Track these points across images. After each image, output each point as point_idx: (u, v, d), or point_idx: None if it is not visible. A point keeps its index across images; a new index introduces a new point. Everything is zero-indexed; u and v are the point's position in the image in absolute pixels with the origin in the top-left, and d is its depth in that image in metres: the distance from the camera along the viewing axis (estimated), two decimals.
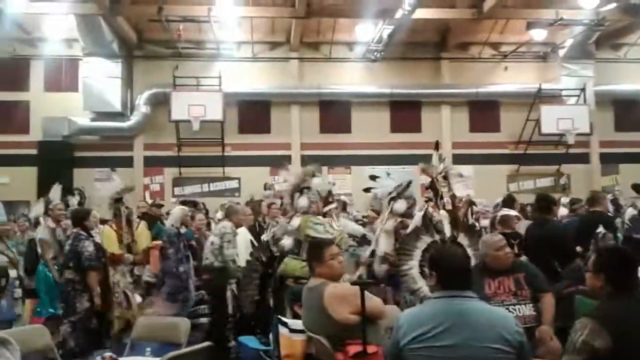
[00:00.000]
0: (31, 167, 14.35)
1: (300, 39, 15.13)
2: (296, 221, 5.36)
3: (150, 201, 9.40)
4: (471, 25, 14.58)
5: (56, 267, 6.58)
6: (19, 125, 14.80)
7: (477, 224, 5.98)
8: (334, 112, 15.51)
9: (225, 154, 14.99)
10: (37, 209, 8.14)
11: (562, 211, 8.67)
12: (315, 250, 3.82)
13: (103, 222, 6.87)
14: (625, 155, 15.75)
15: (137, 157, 15.22)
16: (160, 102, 14.66)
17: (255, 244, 6.29)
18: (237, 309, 6.16)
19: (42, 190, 11.49)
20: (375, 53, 14.98)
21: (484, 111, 15.89)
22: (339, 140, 15.39)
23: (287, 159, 14.70)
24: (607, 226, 5.73)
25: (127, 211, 6.64)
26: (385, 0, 12.56)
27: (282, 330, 3.76)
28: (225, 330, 6.33)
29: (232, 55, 15.33)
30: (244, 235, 6.67)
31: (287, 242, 5.43)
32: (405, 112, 15.66)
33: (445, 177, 4.95)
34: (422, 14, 12.82)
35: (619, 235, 7.02)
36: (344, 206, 7.33)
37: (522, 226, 6.23)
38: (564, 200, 9.88)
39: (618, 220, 7.86)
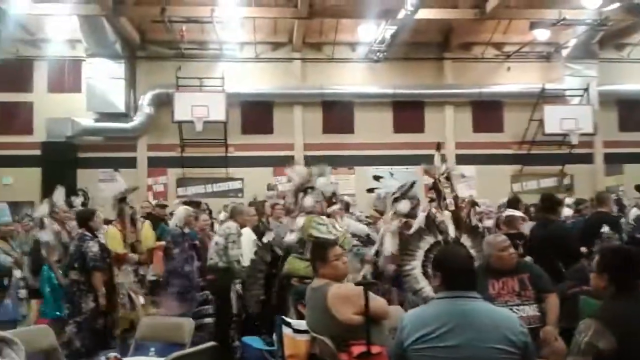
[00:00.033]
0: (35, 168, 14.38)
1: (303, 39, 15.14)
2: (300, 221, 5.36)
3: (154, 202, 9.41)
4: (474, 25, 14.56)
5: (60, 271, 6.59)
6: (22, 126, 14.84)
7: (480, 225, 5.97)
8: (337, 113, 15.51)
9: (229, 154, 15.01)
10: (42, 209, 8.16)
11: (567, 211, 8.66)
12: (319, 250, 3.82)
13: (107, 222, 6.88)
14: (630, 155, 15.71)
15: (141, 157, 15.25)
16: (164, 103, 14.68)
17: (260, 244, 6.29)
18: (243, 309, 6.16)
19: (46, 190, 11.51)
20: (378, 53, 14.97)
21: (487, 111, 15.87)
22: (341, 140, 15.39)
23: (290, 159, 14.72)
24: (613, 227, 5.71)
25: (131, 211, 6.65)
26: (387, 0, 12.56)
27: (286, 330, 3.76)
28: (229, 331, 6.33)
29: (235, 56, 15.35)
30: (248, 236, 6.67)
31: (291, 237, 5.43)
32: (408, 112, 15.65)
33: (448, 178, 4.95)
34: (424, 14, 12.80)
35: (624, 235, 6.99)
36: (346, 206, 7.33)
37: (526, 227, 6.21)
38: (568, 200, 9.86)
39: (622, 221, 7.84)
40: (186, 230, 6.74)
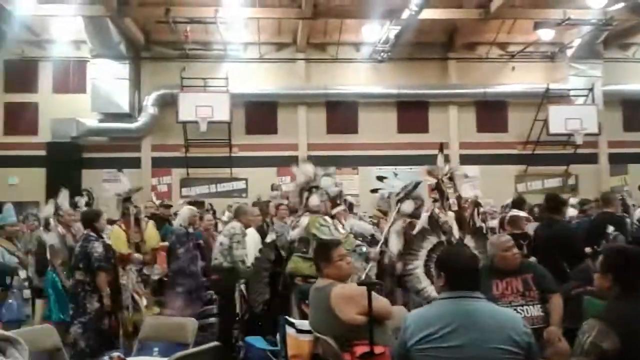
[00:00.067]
0: (40, 168, 14.44)
1: (307, 39, 15.14)
2: (304, 220, 5.36)
3: (157, 202, 9.42)
4: (478, 25, 14.54)
5: (64, 273, 6.60)
6: (27, 126, 14.89)
7: (483, 225, 5.96)
8: (341, 113, 15.50)
9: (233, 154, 15.02)
10: (47, 209, 8.19)
11: (571, 212, 8.63)
12: (323, 250, 3.82)
13: (111, 222, 6.89)
14: (634, 155, 15.65)
15: (145, 158, 15.28)
16: (168, 103, 14.71)
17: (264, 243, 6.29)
18: (247, 309, 6.16)
19: (51, 191, 11.54)
20: (382, 53, 14.97)
21: (491, 111, 15.84)
22: (345, 140, 15.39)
23: (294, 159, 14.73)
24: (619, 227, 5.68)
25: (135, 210, 6.67)
26: (392, 0, 12.55)
27: (289, 330, 3.77)
28: (233, 331, 6.34)
29: (239, 57, 15.37)
30: (252, 236, 6.68)
31: (293, 233, 5.44)
32: (412, 112, 15.64)
33: (451, 179, 4.94)
34: (429, 14, 12.79)
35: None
36: (350, 207, 7.33)
37: (530, 228, 6.20)
38: (573, 200, 9.83)
39: (627, 221, 7.80)
40: (190, 230, 6.76)
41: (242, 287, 6.28)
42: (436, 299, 3.31)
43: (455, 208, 4.76)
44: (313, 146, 15.03)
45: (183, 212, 6.91)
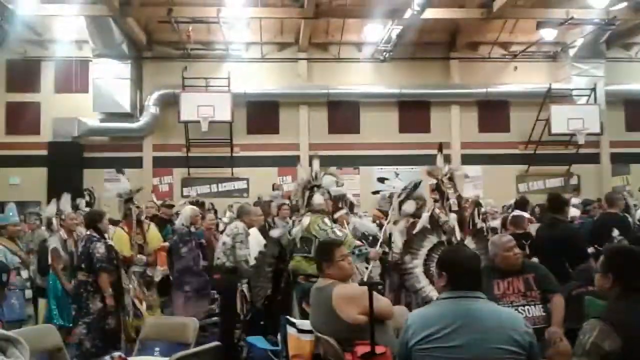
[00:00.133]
0: (41, 168, 14.49)
1: (309, 39, 15.14)
2: (306, 220, 5.36)
3: (158, 202, 9.42)
4: (481, 25, 14.52)
5: (65, 277, 6.62)
6: (29, 126, 14.92)
7: (484, 225, 5.95)
8: (343, 113, 15.50)
9: (234, 154, 15.04)
10: (50, 209, 8.21)
11: (574, 212, 8.61)
12: (325, 250, 3.82)
13: (113, 222, 6.90)
14: (637, 155, 15.65)
15: (146, 157, 15.30)
16: (170, 103, 14.73)
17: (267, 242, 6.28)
18: (250, 309, 6.16)
19: (52, 190, 11.58)
20: (384, 53, 14.97)
21: (493, 111, 15.84)
22: (347, 140, 15.38)
23: (296, 159, 14.74)
24: (623, 228, 5.65)
25: (137, 211, 6.68)
26: (394, 0, 12.54)
27: (290, 330, 3.76)
28: (235, 331, 6.34)
29: (241, 56, 15.39)
30: (255, 236, 6.67)
31: (294, 230, 5.43)
32: (414, 112, 15.63)
33: (451, 179, 4.93)
34: (431, 14, 12.78)
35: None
36: (351, 207, 7.32)
37: (533, 229, 6.18)
38: (575, 200, 9.81)
39: (630, 221, 7.78)
40: (192, 229, 6.76)
41: (244, 287, 6.27)
42: (434, 299, 3.31)
43: (456, 208, 4.75)
44: (314, 146, 15.01)
45: (185, 212, 6.92)
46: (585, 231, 6.43)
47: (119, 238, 6.40)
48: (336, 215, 5.69)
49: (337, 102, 15.46)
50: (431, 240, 4.60)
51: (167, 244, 6.95)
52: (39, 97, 15.19)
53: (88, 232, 5.77)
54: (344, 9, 13.90)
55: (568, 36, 15.09)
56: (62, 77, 15.05)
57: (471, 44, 15.84)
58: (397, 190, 6.09)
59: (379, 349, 3.22)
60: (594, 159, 15.94)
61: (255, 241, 6.50)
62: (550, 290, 4.13)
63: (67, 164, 14.26)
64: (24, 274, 6.26)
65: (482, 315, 2.53)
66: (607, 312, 2.55)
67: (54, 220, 7.62)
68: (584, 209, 9.49)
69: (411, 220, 5.80)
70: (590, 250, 5.42)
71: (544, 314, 4.06)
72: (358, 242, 5.43)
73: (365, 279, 4.83)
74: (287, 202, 7.77)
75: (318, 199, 5.48)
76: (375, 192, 6.90)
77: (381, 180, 15.04)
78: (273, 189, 12.46)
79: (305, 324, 3.69)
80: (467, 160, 15.12)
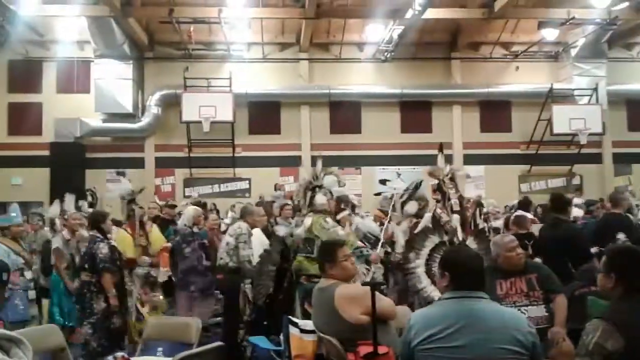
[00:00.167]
0: (43, 168, 14.50)
1: (310, 39, 15.15)
2: (308, 220, 5.36)
3: (161, 202, 9.43)
4: (482, 25, 14.52)
5: (68, 276, 6.62)
6: (31, 126, 14.95)
7: (485, 225, 5.95)
8: (344, 113, 15.51)
9: (236, 154, 15.05)
10: (53, 209, 8.22)
11: (576, 212, 8.60)
12: (328, 250, 3.81)
13: (115, 223, 6.90)
14: (639, 155, 15.63)
15: (148, 158, 15.32)
16: (171, 104, 14.74)
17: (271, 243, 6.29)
18: (253, 309, 6.16)
19: (55, 191, 11.60)
20: (386, 53, 14.97)
21: (495, 111, 15.83)
22: (349, 140, 15.39)
23: (297, 159, 14.77)
24: (627, 230, 5.62)
25: (141, 211, 6.68)
26: (395, 0, 12.54)
27: (293, 330, 3.76)
28: (238, 331, 6.34)
29: (243, 57, 15.40)
30: (258, 237, 6.67)
31: (298, 230, 5.43)
32: (415, 112, 15.63)
33: (452, 179, 4.93)
34: (432, 14, 12.78)
35: None
36: (352, 207, 7.33)
37: (536, 229, 6.17)
38: (577, 200, 9.81)
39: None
40: (195, 229, 6.77)
41: (247, 287, 6.28)
42: (435, 299, 3.31)
43: (457, 209, 4.75)
44: (316, 146, 15.02)
45: (188, 212, 6.92)
46: (588, 231, 6.41)
47: (122, 239, 6.40)
48: (339, 216, 5.69)
49: (339, 103, 15.46)
50: (433, 240, 4.60)
51: (169, 244, 6.95)
52: (40, 98, 15.21)
53: (91, 233, 5.78)
54: (345, 9, 13.90)
55: (569, 36, 15.09)
56: (64, 77, 15.07)
57: (472, 44, 15.84)
58: (399, 191, 6.09)
59: (382, 349, 3.22)
60: (596, 159, 15.93)
61: (258, 241, 6.50)
62: (553, 291, 4.13)
63: (69, 164, 14.28)
64: (28, 274, 6.26)
65: (485, 315, 2.53)
66: (609, 312, 2.54)
67: (57, 221, 7.62)
68: (587, 210, 9.48)
69: (414, 220, 5.80)
70: (594, 250, 5.41)
71: (546, 314, 4.05)
72: (360, 243, 5.43)
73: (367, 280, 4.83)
74: (290, 202, 7.76)
75: (320, 199, 5.48)
76: (378, 194, 6.90)
77: (383, 182, 15.06)
78: (275, 189, 12.49)
79: (308, 324, 3.69)
80: (469, 160, 15.12)
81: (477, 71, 15.76)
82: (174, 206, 9.10)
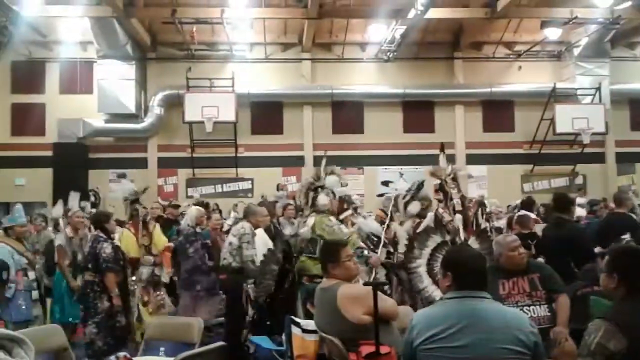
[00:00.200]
0: (47, 169, 14.52)
1: (313, 39, 15.14)
2: (311, 221, 5.36)
3: (164, 202, 9.43)
4: (485, 24, 14.50)
5: (70, 274, 6.64)
6: (34, 127, 14.97)
7: (487, 225, 5.94)
8: (347, 113, 15.50)
9: (238, 154, 15.05)
10: (57, 210, 8.23)
11: (579, 211, 8.59)
12: (330, 250, 3.82)
13: (118, 223, 6.91)
14: None
15: (151, 158, 15.34)
16: (174, 104, 14.76)
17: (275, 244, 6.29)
18: (254, 307, 6.16)
19: (58, 191, 11.62)
20: (388, 53, 14.96)
21: (498, 111, 15.81)
22: (351, 140, 15.37)
23: (300, 159, 14.78)
24: (630, 229, 5.61)
25: (144, 211, 6.69)
26: (397, 0, 12.53)
27: (295, 330, 3.76)
28: (241, 331, 6.34)
29: (245, 57, 15.41)
30: (261, 237, 6.67)
31: (302, 230, 5.44)
32: (418, 112, 15.62)
33: (454, 179, 4.93)
34: (435, 13, 12.77)
35: None
36: (354, 208, 7.33)
37: (539, 229, 6.16)
38: (580, 200, 9.79)
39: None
40: (198, 229, 6.78)
41: (250, 288, 6.28)
42: (436, 299, 3.30)
43: (460, 208, 4.75)
44: (318, 146, 15.00)
45: (191, 212, 6.94)
46: (591, 231, 6.40)
47: (126, 239, 6.42)
48: (342, 216, 5.70)
49: (341, 102, 15.45)
50: (435, 239, 4.60)
51: (171, 244, 6.96)
52: (43, 98, 15.23)
53: (95, 233, 5.80)
54: (348, 9, 13.89)
55: (572, 35, 15.06)
56: (66, 78, 15.09)
57: (475, 44, 15.82)
58: (401, 192, 6.08)
59: (384, 349, 3.22)
60: (599, 158, 15.89)
61: (262, 241, 6.50)
62: (556, 290, 4.12)
63: (72, 164, 14.30)
64: (31, 274, 6.28)
65: (488, 315, 2.53)
66: (612, 312, 2.54)
67: (61, 221, 7.64)
68: (590, 209, 9.46)
69: (417, 220, 5.80)
70: (597, 250, 5.40)
71: (549, 314, 4.04)
72: (361, 244, 5.43)
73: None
74: (292, 202, 7.77)
75: (323, 199, 5.48)
76: (380, 195, 6.90)
77: (385, 183, 15.05)
78: (277, 189, 12.47)
79: (310, 324, 3.69)
80: (471, 160, 15.10)
81: (480, 71, 15.74)
82: (178, 206, 9.11)
